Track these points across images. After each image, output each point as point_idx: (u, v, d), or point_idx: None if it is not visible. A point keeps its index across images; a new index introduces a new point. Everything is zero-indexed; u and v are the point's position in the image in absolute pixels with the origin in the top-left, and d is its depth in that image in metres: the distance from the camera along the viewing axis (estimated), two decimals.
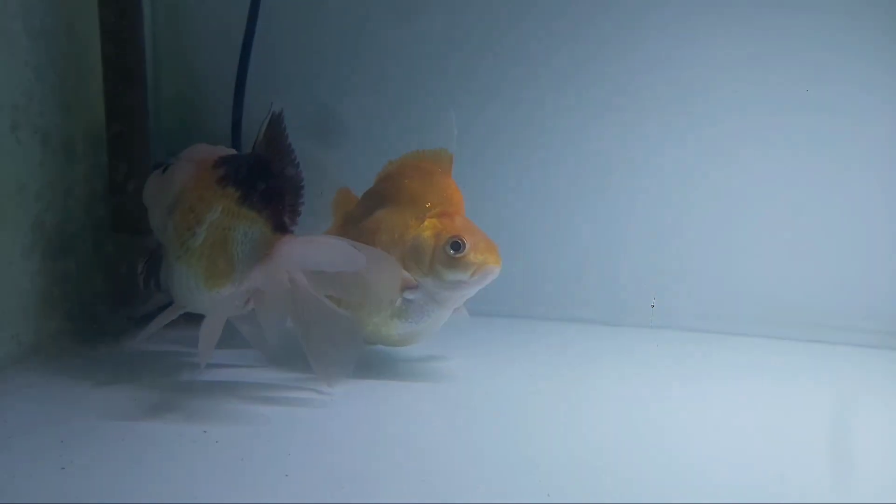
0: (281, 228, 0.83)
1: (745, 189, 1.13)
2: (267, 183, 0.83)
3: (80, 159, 1.03)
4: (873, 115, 1.08)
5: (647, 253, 1.17)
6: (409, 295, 0.90)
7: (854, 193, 1.10)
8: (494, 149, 1.18)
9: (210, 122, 1.21)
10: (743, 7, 1.10)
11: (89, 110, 1.04)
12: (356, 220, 0.97)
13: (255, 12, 1.14)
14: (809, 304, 1.13)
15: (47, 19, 0.96)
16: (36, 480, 0.66)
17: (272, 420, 0.79)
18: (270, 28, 1.16)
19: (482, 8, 1.16)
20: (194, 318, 0.85)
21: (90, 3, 1.02)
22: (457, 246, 0.87)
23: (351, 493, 0.65)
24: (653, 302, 1.16)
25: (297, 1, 1.19)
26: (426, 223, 0.90)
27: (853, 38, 1.07)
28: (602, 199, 1.17)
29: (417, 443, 0.76)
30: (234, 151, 0.90)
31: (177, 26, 1.22)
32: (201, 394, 0.85)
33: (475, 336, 1.08)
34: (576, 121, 1.16)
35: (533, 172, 1.18)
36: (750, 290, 1.14)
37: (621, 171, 1.16)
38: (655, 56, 1.13)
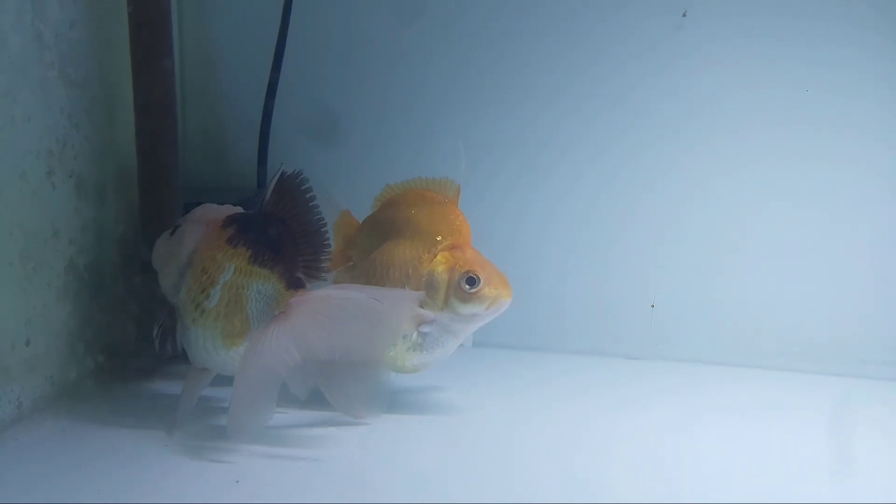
0: (295, 285, 0.84)
1: (764, 222, 1.13)
2: (277, 240, 0.85)
3: (111, 202, 1.05)
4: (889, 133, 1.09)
5: (659, 285, 1.17)
6: (425, 328, 0.92)
7: (875, 219, 1.10)
8: (497, 180, 1.19)
9: (235, 159, 1.24)
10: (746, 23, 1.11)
11: (120, 153, 1.07)
12: (360, 249, 0.99)
13: (280, 52, 1.16)
14: (827, 336, 1.12)
15: (81, 68, 0.99)
16: None
17: (304, 466, 0.81)
18: (294, 69, 1.19)
19: (483, 34, 1.18)
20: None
21: (122, 49, 1.04)
22: (472, 281, 0.89)
23: None
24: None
25: (321, 43, 1.21)
26: (438, 258, 0.92)
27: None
28: (610, 231, 1.17)
29: (446, 481, 0.78)
30: (240, 209, 0.91)
31: (205, 65, 1.25)
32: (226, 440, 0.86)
33: (484, 368, 1.10)
34: (585, 148, 1.17)
35: (539, 202, 1.19)
36: (766, 322, 1.14)
37: (632, 202, 1.17)
38: (662, 79, 1.13)
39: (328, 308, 0.83)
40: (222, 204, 0.92)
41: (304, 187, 0.86)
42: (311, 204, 0.86)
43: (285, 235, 0.85)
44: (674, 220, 1.16)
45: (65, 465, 0.80)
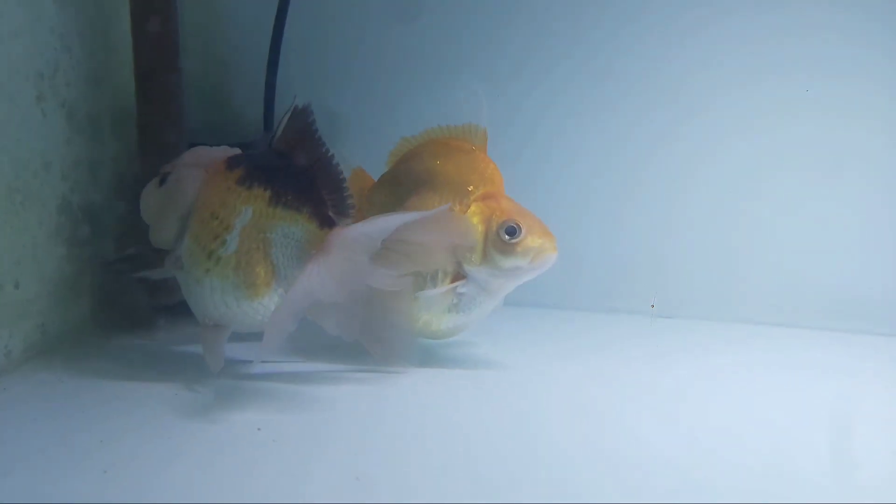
0: (328, 223, 0.75)
1: (803, 188, 1.05)
2: (299, 177, 0.76)
3: (107, 139, 0.96)
4: None
5: (696, 244, 1.09)
6: (461, 288, 0.83)
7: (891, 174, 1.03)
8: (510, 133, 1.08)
9: (238, 101, 1.15)
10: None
11: (118, 86, 0.98)
12: (379, 207, 0.89)
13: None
14: (878, 297, 1.05)
15: None
16: (79, 486, 0.59)
17: (332, 417, 0.73)
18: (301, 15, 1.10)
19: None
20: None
21: None
22: (512, 231, 0.81)
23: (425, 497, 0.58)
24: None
25: None
26: (472, 209, 0.83)
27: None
28: (645, 193, 1.10)
29: (482, 436, 0.70)
30: (237, 151, 0.82)
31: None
32: (247, 388, 0.79)
33: (524, 328, 1.02)
34: (613, 118, 1.09)
35: (575, 164, 1.10)
36: (814, 282, 1.06)
37: (667, 168, 1.09)
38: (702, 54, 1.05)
39: (375, 229, 0.73)
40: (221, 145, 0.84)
41: (313, 123, 0.77)
42: (318, 136, 0.77)
43: (306, 172, 0.76)
44: (690, 177, 1.08)
45: (65, 419, 0.71)
